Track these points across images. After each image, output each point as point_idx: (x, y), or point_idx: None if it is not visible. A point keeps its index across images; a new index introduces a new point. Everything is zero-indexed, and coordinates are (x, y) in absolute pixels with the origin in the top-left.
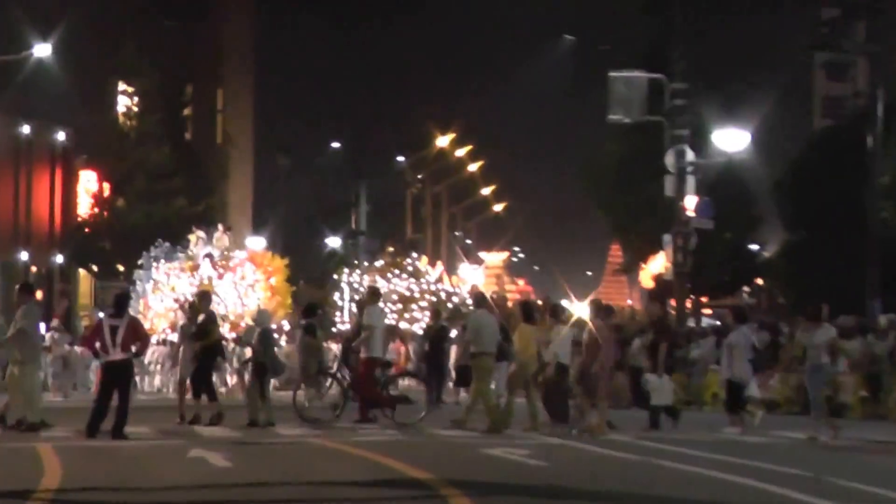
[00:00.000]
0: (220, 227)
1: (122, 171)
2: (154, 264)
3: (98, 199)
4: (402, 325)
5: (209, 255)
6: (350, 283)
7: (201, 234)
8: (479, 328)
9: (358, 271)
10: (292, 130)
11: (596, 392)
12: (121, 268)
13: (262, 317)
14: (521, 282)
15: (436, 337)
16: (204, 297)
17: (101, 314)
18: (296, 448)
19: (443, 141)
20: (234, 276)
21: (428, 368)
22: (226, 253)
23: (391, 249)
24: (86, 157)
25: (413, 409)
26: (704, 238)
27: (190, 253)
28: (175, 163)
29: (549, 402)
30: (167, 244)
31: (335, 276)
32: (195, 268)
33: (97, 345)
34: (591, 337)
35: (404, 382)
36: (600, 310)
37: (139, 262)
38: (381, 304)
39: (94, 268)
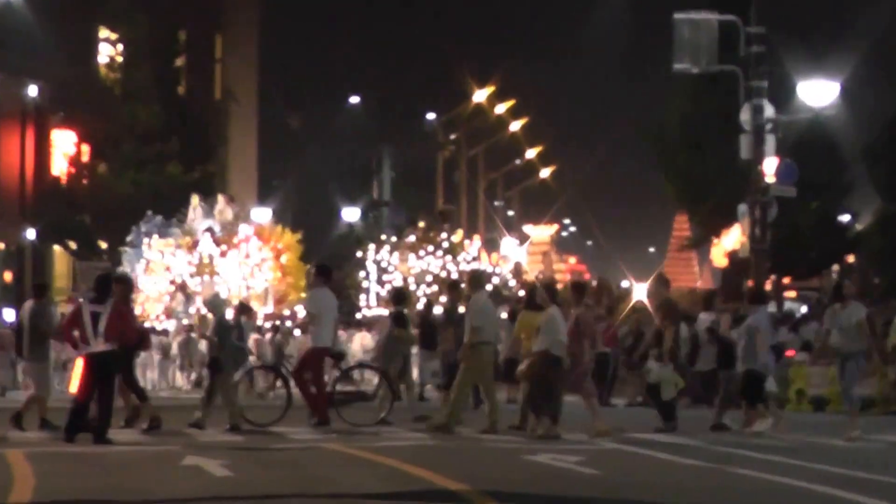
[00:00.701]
0: (221, 197)
1: (105, 132)
2: (145, 240)
3: (76, 164)
4: (438, 310)
5: (210, 230)
6: (378, 262)
7: (201, 203)
8: (481, 313)
9: (387, 248)
10: (304, 84)
11: (580, 389)
12: (103, 244)
13: (214, 303)
14: (571, 260)
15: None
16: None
17: (81, 299)
18: (308, 454)
19: (480, 95)
20: (238, 254)
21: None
22: (229, 227)
23: (422, 224)
24: (62, 115)
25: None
26: (787, 208)
27: (187, 227)
28: (166, 122)
29: (533, 398)
30: (160, 217)
31: (360, 254)
32: (194, 244)
33: (76, 334)
34: (571, 325)
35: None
36: (581, 293)
37: (128, 237)
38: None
39: (72, 244)
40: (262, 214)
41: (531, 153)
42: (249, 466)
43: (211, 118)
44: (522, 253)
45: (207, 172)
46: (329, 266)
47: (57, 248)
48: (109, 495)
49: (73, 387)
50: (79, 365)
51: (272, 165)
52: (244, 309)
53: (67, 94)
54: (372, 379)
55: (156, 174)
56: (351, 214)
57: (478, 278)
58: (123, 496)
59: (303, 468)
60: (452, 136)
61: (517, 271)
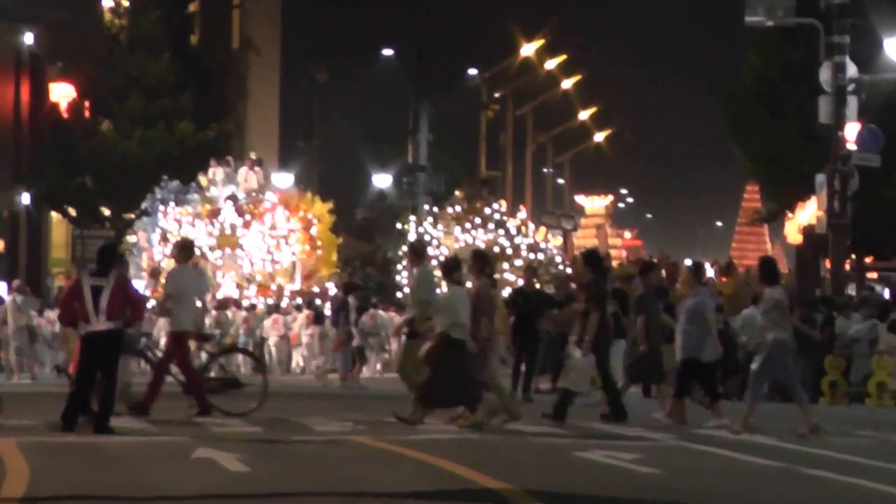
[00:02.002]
0: (248, 159)
1: (109, 86)
2: (161, 208)
3: (77, 120)
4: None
5: (232, 197)
6: (420, 235)
7: (225, 168)
8: (453, 299)
9: (429, 220)
10: (332, 33)
11: (483, 371)
12: (106, 211)
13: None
14: (628, 234)
15: (529, 306)
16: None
17: (81, 272)
18: (332, 448)
19: (529, 49)
20: (262, 226)
21: (517, 347)
22: (254, 195)
23: (459, 193)
24: (61, 65)
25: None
26: (870, 179)
27: (208, 194)
28: (178, 75)
29: (430, 385)
30: (177, 182)
31: (400, 226)
32: (215, 213)
33: (76, 311)
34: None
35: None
36: (483, 263)
37: (142, 204)
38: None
39: (72, 211)
40: (284, 180)
41: (585, 115)
42: (268, 461)
43: (227, 71)
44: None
45: (223, 132)
46: (191, 240)
47: (55, 214)
48: (111, 491)
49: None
50: (78, 345)
51: (296, 125)
52: (349, 288)
53: (67, 43)
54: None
55: (165, 133)
56: (382, 181)
57: (418, 249)
58: (127, 492)
59: (326, 463)
60: (497, 95)
61: (568, 246)
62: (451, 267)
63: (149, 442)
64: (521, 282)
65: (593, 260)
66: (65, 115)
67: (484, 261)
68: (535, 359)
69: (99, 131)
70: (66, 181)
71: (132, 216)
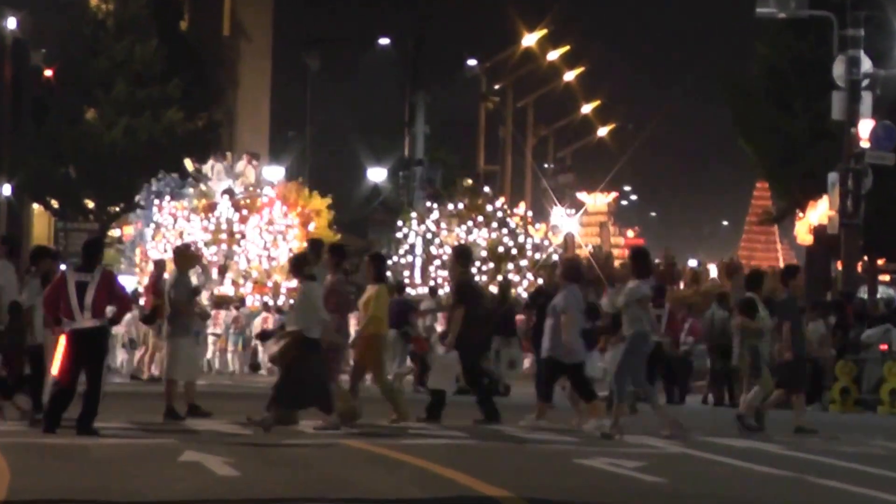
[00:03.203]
0: (246, 153)
1: (95, 72)
2: (156, 202)
3: (61, 108)
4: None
5: (228, 191)
6: (423, 233)
7: (222, 162)
8: (308, 296)
9: (432, 218)
10: (326, 20)
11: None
12: (90, 203)
13: None
14: (631, 232)
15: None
16: None
17: (65, 266)
18: (324, 452)
19: (530, 39)
20: (259, 220)
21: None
22: (251, 189)
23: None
24: (45, 51)
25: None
26: (883, 178)
27: (204, 188)
28: (166, 62)
29: (283, 386)
30: (174, 175)
31: (401, 224)
32: (210, 207)
33: (60, 307)
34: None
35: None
36: (340, 258)
37: (137, 198)
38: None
39: (54, 202)
40: (275, 172)
41: (587, 108)
42: (256, 465)
43: (217, 58)
44: (575, 223)
45: (212, 121)
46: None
47: (36, 206)
48: (94, 494)
49: (55, 368)
50: (61, 343)
51: (287, 115)
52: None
53: (51, 27)
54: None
55: (152, 121)
56: (377, 174)
57: (338, 251)
58: (111, 496)
59: (317, 468)
60: (497, 86)
61: (568, 245)
62: (302, 262)
63: (134, 444)
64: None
65: (463, 256)
66: (48, 102)
67: (341, 255)
68: None
69: (83, 119)
70: (49, 171)
71: (117, 209)
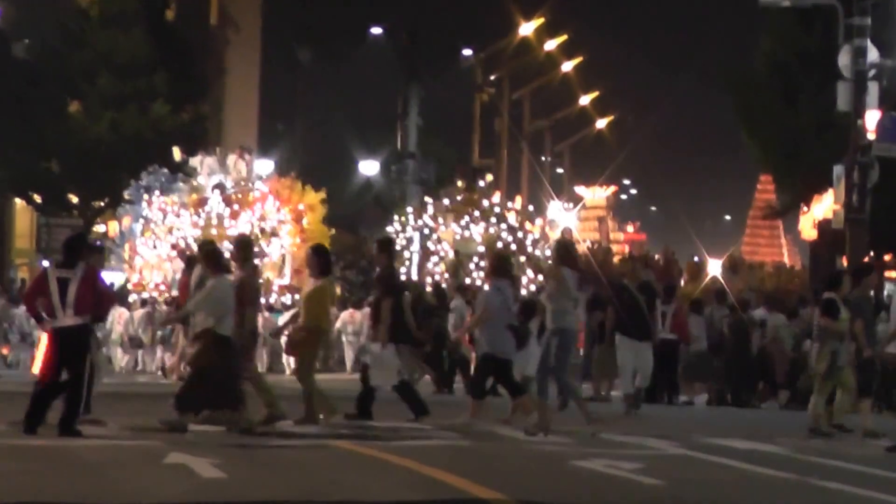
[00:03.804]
0: (238, 148)
1: (79, 64)
2: (145, 197)
3: (43, 100)
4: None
5: (220, 186)
6: (421, 229)
7: (213, 156)
8: (220, 290)
9: (429, 212)
10: (317, 9)
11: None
12: (74, 198)
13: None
14: (630, 227)
15: None
16: None
17: (47, 263)
18: (314, 454)
19: (527, 29)
20: (251, 216)
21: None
22: (242, 184)
23: (461, 183)
24: (27, 42)
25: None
26: (890, 171)
27: (195, 183)
28: (152, 53)
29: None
30: (164, 170)
31: (397, 218)
32: (201, 202)
33: (41, 305)
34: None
35: None
36: (248, 251)
37: (125, 193)
38: None
39: (37, 197)
40: (264, 166)
41: (586, 99)
42: (245, 467)
43: (205, 49)
44: (573, 218)
45: (199, 114)
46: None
47: (18, 201)
48: (77, 498)
49: (36, 367)
50: (43, 341)
51: (277, 107)
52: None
53: (34, 17)
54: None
55: (138, 115)
56: (369, 168)
57: (246, 245)
58: (93, 499)
59: (307, 470)
60: (492, 77)
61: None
62: (218, 255)
63: (118, 446)
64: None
65: (387, 247)
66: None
67: (249, 248)
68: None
69: (67, 112)
70: (32, 165)
71: (101, 204)
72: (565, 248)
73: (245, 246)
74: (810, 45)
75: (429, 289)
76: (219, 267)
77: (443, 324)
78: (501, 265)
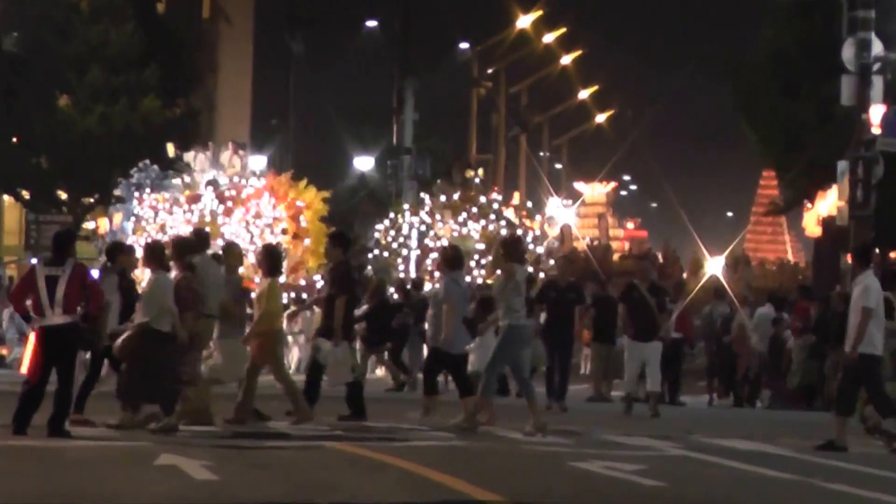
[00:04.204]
0: (232, 143)
1: (68, 57)
2: (136, 194)
3: (32, 94)
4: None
5: (213, 183)
6: (418, 225)
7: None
8: (159, 286)
9: (426, 208)
10: (309, 1)
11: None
12: (63, 195)
13: None
14: (630, 224)
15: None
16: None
17: (35, 260)
18: (307, 455)
19: (525, 21)
20: (245, 213)
21: (549, 348)
22: (236, 180)
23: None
24: (16, 35)
25: None
26: None
27: (188, 180)
28: (143, 46)
29: (125, 382)
30: (155, 167)
31: (394, 215)
32: (194, 199)
33: (29, 303)
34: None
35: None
36: (183, 251)
37: (116, 191)
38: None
39: (26, 193)
40: (257, 161)
41: (585, 93)
42: (236, 468)
43: (196, 42)
44: (572, 215)
45: (191, 108)
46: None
47: (7, 197)
48: (65, 499)
49: (24, 367)
50: (31, 340)
51: (270, 101)
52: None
53: (22, 9)
54: None
55: (129, 109)
56: (364, 163)
57: (201, 240)
58: (81, 501)
59: (300, 471)
60: (490, 71)
61: (564, 237)
62: (159, 251)
63: (108, 446)
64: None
65: (341, 240)
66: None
67: (185, 250)
68: (570, 361)
69: (56, 106)
70: (20, 161)
71: (91, 200)
72: (513, 243)
73: (182, 247)
74: (812, 36)
75: (431, 286)
76: (159, 264)
77: (408, 320)
78: (455, 257)
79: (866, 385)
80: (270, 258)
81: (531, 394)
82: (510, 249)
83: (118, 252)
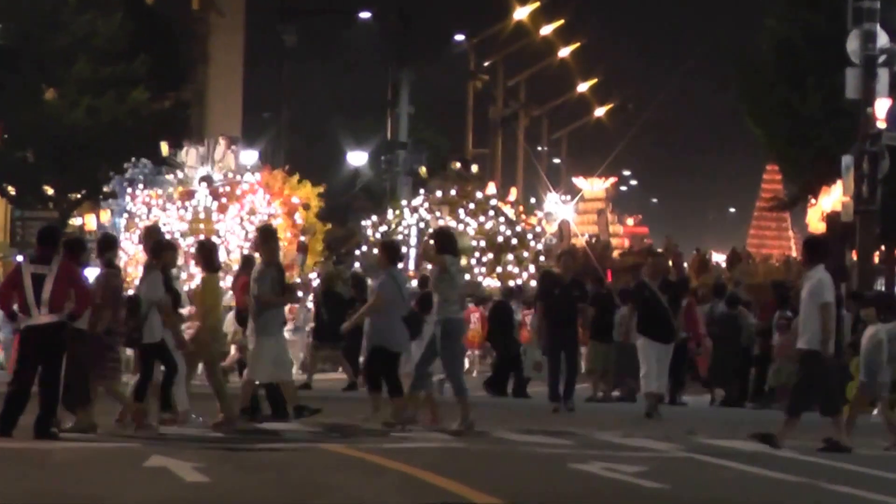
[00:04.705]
0: (226, 137)
1: (55, 48)
2: (128, 190)
3: (17, 86)
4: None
5: (207, 179)
6: (417, 223)
7: (199, 147)
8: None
9: (424, 206)
10: None
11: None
12: (50, 190)
13: None
14: (631, 220)
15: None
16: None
17: (21, 258)
18: (301, 456)
19: (522, 12)
20: (240, 210)
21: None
22: (230, 176)
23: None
24: (2, 25)
25: None
26: None
27: (181, 176)
28: (131, 37)
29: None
30: (148, 162)
31: (393, 213)
32: (188, 195)
33: (14, 302)
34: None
35: None
36: (109, 247)
37: (106, 188)
38: None
39: (11, 189)
40: (248, 156)
41: (584, 86)
42: (227, 470)
43: (186, 33)
44: (571, 211)
45: (181, 101)
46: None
47: None
48: (52, 501)
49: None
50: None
51: (261, 94)
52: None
53: (7, 0)
54: None
55: (117, 101)
56: (358, 158)
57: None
58: (70, 502)
59: (293, 473)
60: (487, 63)
61: (563, 233)
62: (79, 248)
63: (97, 448)
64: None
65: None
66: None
67: (111, 245)
68: (576, 361)
69: (42, 99)
70: (5, 155)
71: (78, 195)
72: (446, 235)
73: (107, 243)
74: (816, 28)
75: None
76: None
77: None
78: (393, 252)
79: (801, 380)
80: (205, 253)
81: (421, 389)
82: (442, 241)
83: (163, 250)
